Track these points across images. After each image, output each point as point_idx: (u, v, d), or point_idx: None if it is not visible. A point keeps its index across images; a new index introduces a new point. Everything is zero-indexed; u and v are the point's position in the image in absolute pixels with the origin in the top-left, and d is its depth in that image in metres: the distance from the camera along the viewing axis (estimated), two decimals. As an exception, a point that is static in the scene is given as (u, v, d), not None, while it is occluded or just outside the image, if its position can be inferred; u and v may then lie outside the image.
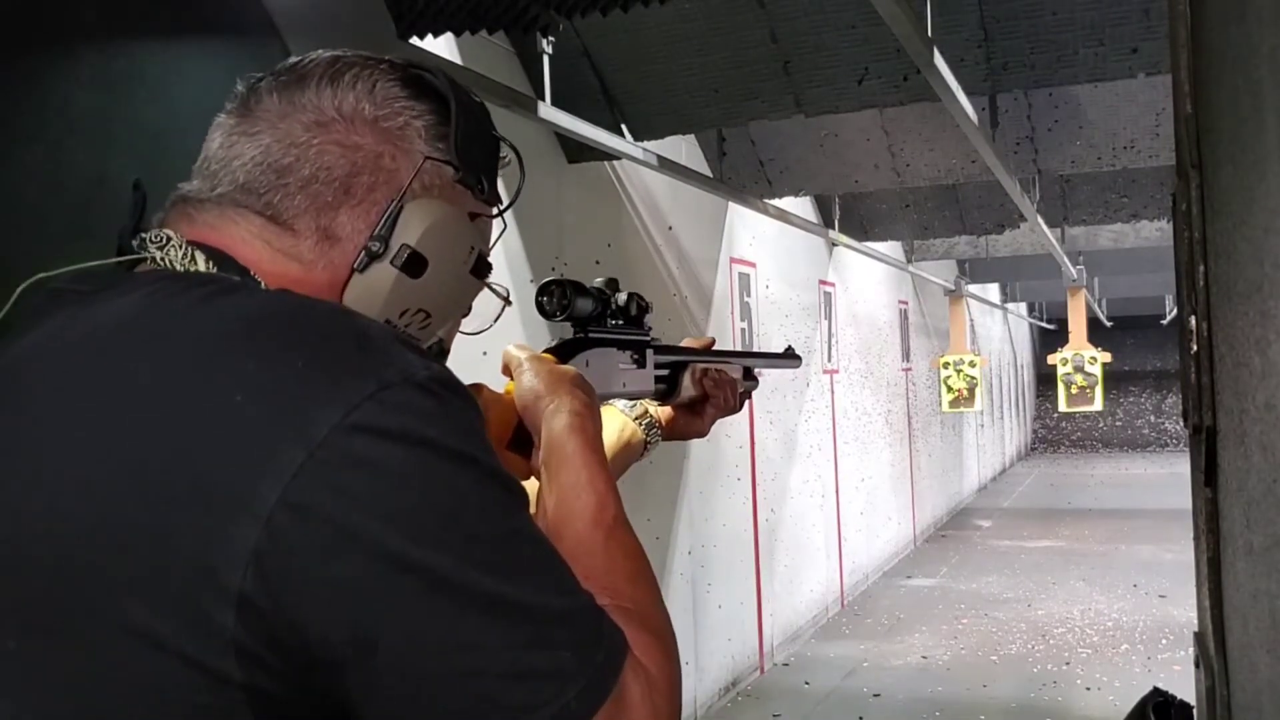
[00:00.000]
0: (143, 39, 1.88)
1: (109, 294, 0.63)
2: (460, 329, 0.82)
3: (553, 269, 3.99)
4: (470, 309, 0.80)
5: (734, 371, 1.17)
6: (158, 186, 0.74)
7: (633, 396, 1.05)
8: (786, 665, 6.05)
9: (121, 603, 0.54)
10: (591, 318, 0.97)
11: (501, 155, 0.79)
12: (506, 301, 0.83)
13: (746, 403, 1.23)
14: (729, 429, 5.63)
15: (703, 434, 1.16)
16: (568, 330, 0.99)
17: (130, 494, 0.55)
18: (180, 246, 0.67)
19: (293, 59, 0.72)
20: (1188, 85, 1.15)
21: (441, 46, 3.06)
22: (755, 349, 5.84)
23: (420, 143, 0.71)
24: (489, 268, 0.76)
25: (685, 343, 1.15)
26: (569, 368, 0.87)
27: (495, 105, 3.19)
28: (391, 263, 0.69)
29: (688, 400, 1.13)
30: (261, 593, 0.53)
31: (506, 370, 0.87)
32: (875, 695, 5.49)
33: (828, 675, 5.86)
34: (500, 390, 0.86)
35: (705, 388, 1.14)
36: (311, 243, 0.68)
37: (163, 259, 0.66)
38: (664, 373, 1.09)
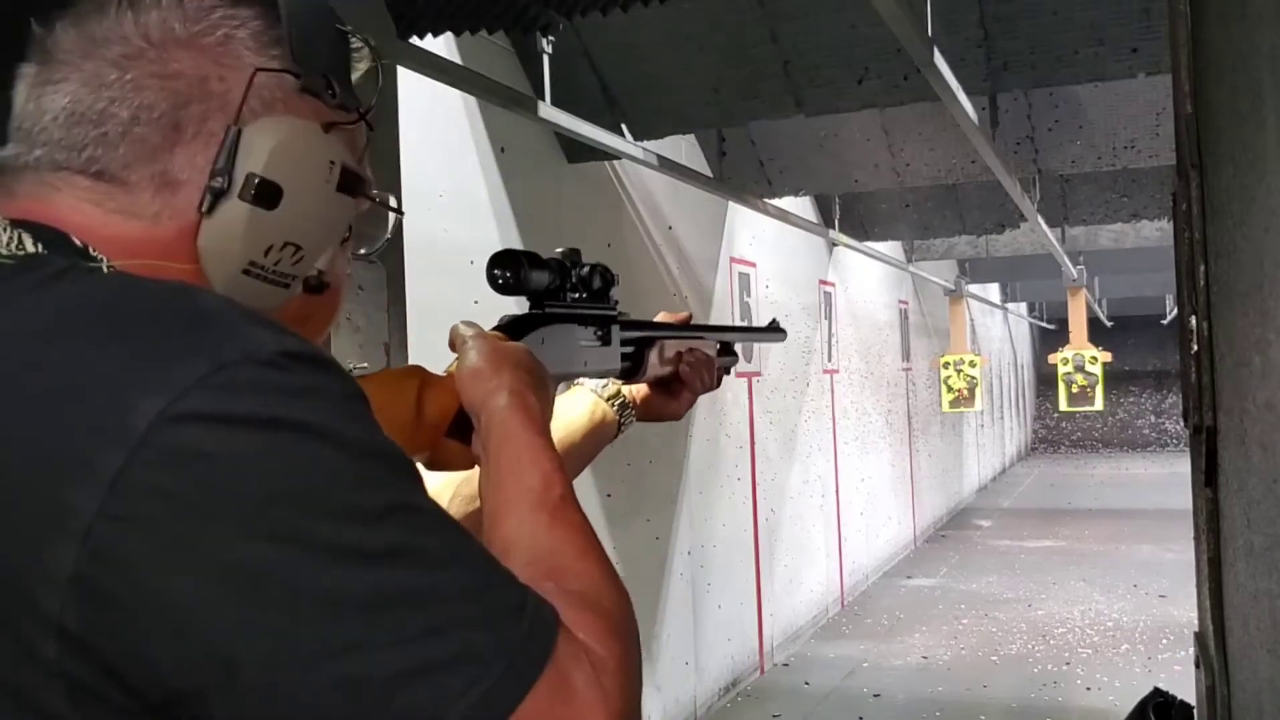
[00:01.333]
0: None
1: None
2: (351, 254, 0.73)
3: (553, 269, 3.98)
4: (350, 229, 0.69)
5: (709, 348, 1.10)
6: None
7: (596, 375, 0.98)
8: (786, 665, 6.05)
9: None
10: (549, 292, 0.90)
11: (354, 48, 0.69)
12: (398, 212, 0.74)
13: (727, 379, 1.17)
14: (729, 429, 5.62)
15: (678, 415, 1.09)
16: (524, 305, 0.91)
17: None
18: (5, 229, 0.58)
19: None
20: (1188, 85, 1.15)
21: (441, 46, 3.06)
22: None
23: (249, 55, 0.62)
24: (360, 181, 0.67)
25: (660, 318, 1.08)
26: (516, 344, 0.80)
27: (496, 105, 3.20)
28: (240, 197, 0.60)
29: (658, 378, 1.06)
30: (87, 621, 0.46)
31: (452, 347, 0.80)
32: (875, 695, 5.49)
33: (828, 675, 5.86)
34: (443, 372, 0.80)
35: (679, 367, 1.06)
36: (149, 194, 0.60)
37: None
38: (631, 349, 1.01)
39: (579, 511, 0.68)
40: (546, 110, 3.28)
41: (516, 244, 3.76)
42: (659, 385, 1.07)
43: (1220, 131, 0.98)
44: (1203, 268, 1.05)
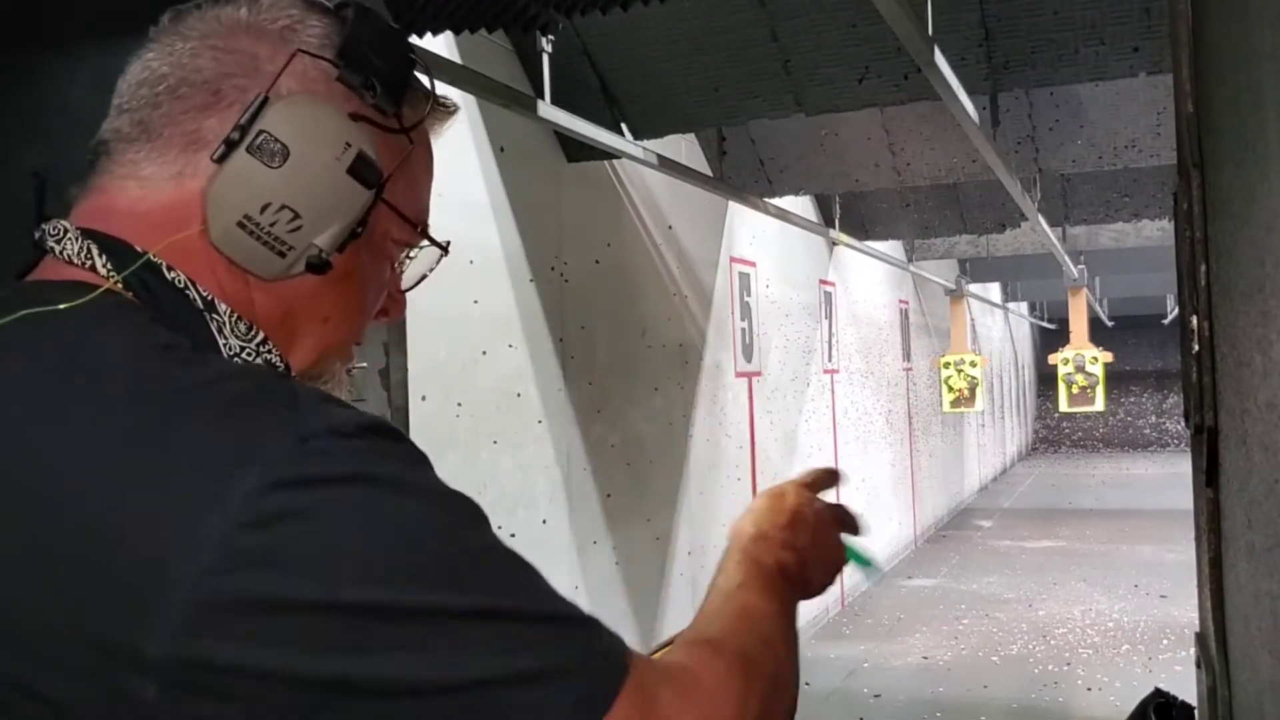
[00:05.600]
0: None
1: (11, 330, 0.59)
2: (400, 284, 0.77)
3: (552, 268, 3.99)
4: (364, 224, 0.69)
5: None
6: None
7: None
8: (787, 665, 6.05)
9: (29, 678, 0.51)
10: None
11: (444, 103, 0.74)
12: (440, 246, 0.76)
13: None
14: (729, 429, 5.62)
15: None
16: None
17: (31, 572, 0.52)
18: (76, 239, 0.64)
19: None
20: (1189, 84, 1.15)
21: (441, 45, 3.06)
22: (755, 353, 5.76)
23: (301, 44, 0.68)
24: (377, 173, 0.68)
25: None
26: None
27: (495, 104, 3.19)
28: (247, 149, 0.64)
29: None
30: (191, 664, 0.50)
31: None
32: (876, 696, 5.49)
33: (828, 676, 5.86)
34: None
35: None
36: (176, 151, 0.65)
37: (61, 253, 0.64)
38: None
39: (764, 616, 0.77)
40: (546, 110, 3.28)
41: (517, 244, 3.76)
42: None
43: (1221, 131, 0.97)
44: (1204, 267, 1.05)
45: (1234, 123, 0.89)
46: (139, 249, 0.63)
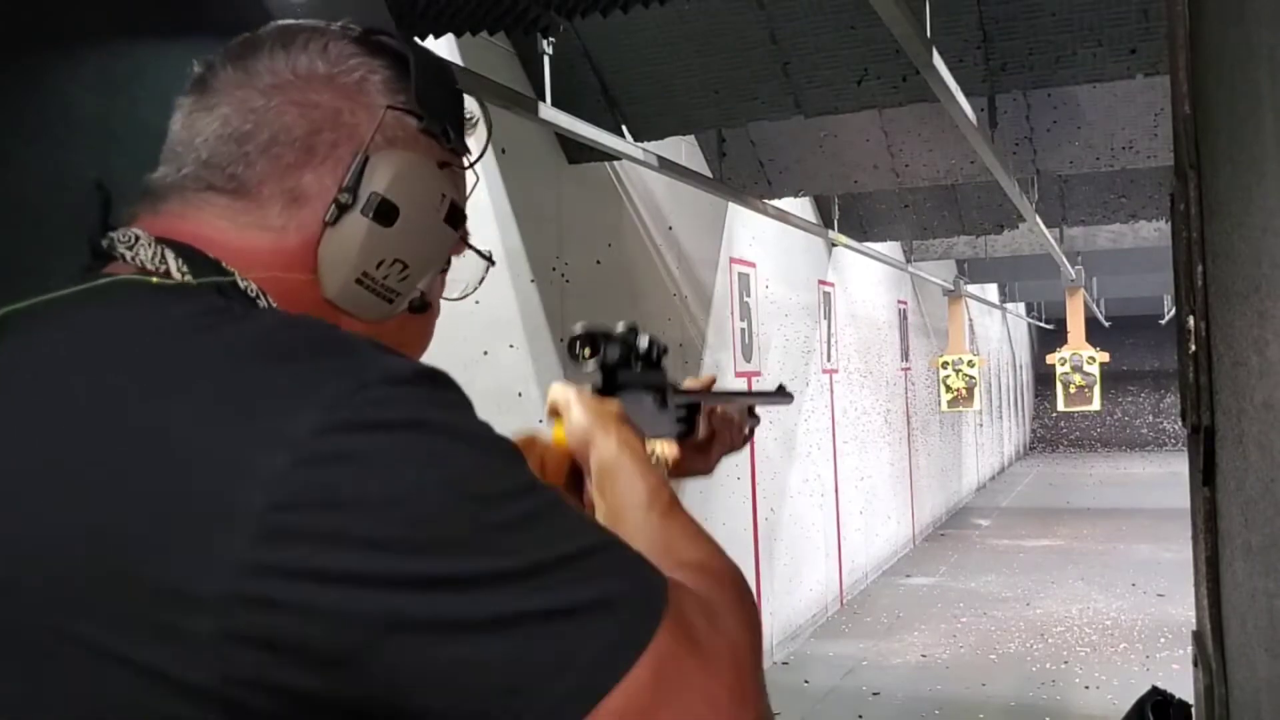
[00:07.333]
0: (145, 40, 1.89)
1: (75, 311, 0.61)
2: (444, 295, 0.81)
3: (553, 268, 3.99)
4: (448, 262, 0.77)
5: (736, 410, 1.21)
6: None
7: (656, 436, 1.08)
8: (786, 664, 6.06)
9: (74, 622, 0.52)
10: (618, 364, 1.00)
11: (468, 115, 0.79)
12: (489, 260, 0.82)
13: (749, 441, 1.26)
14: (728, 429, 5.63)
15: (708, 471, 1.18)
16: (593, 373, 1.02)
17: (84, 511, 0.53)
18: (149, 245, 0.65)
19: (243, 35, 0.72)
20: (1186, 86, 1.16)
21: (442, 47, 3.07)
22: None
23: (379, 96, 0.71)
24: (463, 217, 0.75)
25: (688, 384, 1.17)
26: (613, 402, 0.90)
27: (496, 106, 3.20)
28: (362, 212, 0.68)
29: (699, 440, 1.16)
30: (252, 601, 0.51)
31: (554, 411, 0.90)
32: (874, 694, 5.50)
33: (827, 674, 5.87)
34: (542, 435, 0.91)
35: (714, 426, 1.17)
36: (279, 208, 0.68)
37: (132, 259, 0.65)
38: (682, 414, 1.12)
39: (685, 511, 0.77)
40: (547, 111, 3.29)
41: (517, 244, 3.77)
42: (693, 444, 1.16)
43: (1218, 132, 0.98)
44: (1201, 268, 1.05)
45: (1231, 124, 0.90)
46: (224, 265, 0.65)
